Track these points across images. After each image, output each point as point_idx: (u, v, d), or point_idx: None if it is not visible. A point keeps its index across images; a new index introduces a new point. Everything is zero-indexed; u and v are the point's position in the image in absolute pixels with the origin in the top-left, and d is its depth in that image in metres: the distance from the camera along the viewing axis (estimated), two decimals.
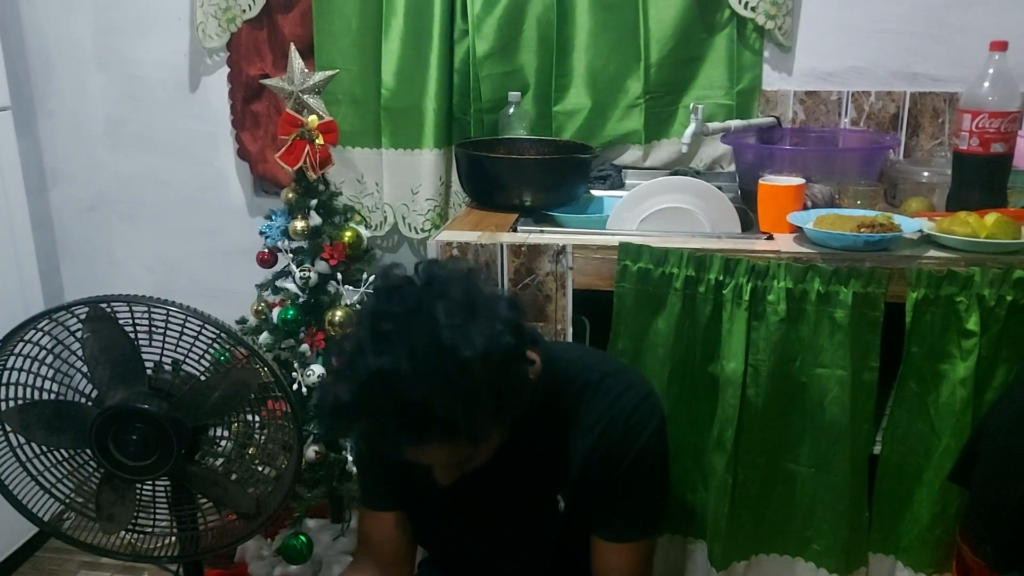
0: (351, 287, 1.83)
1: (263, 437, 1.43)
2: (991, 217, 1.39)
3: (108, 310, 1.30)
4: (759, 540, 1.54)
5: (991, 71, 1.49)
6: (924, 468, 1.44)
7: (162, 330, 1.32)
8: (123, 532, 1.45)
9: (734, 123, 1.87)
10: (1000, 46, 1.48)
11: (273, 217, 1.85)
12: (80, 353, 1.33)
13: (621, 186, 1.97)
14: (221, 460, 1.43)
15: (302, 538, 1.84)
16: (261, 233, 1.85)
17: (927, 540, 1.45)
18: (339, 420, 0.96)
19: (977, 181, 1.53)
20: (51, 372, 1.37)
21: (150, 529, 1.46)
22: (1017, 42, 1.50)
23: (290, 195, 1.80)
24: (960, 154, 1.53)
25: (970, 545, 1.30)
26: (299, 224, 1.78)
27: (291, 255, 1.82)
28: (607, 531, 1.19)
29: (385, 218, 2.16)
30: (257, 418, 1.41)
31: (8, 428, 1.38)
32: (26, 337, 1.34)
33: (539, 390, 1.07)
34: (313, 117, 1.71)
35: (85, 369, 1.34)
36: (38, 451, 1.41)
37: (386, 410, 0.92)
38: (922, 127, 1.94)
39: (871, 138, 1.90)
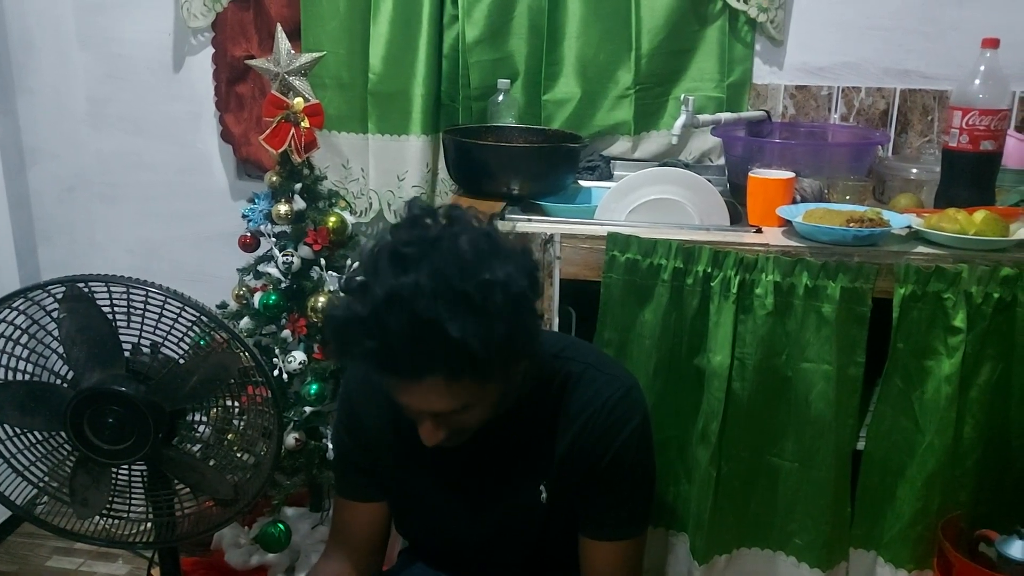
0: (334, 273, 1.81)
1: (242, 423, 1.41)
2: (980, 214, 1.39)
3: (86, 290, 1.28)
4: (741, 534, 1.53)
5: (982, 68, 1.48)
6: (907, 465, 1.44)
7: (140, 311, 1.29)
8: (97, 517, 1.43)
9: (724, 116, 1.86)
10: (992, 43, 1.48)
11: (256, 200, 1.82)
12: (56, 333, 1.31)
13: (610, 177, 1.96)
14: (199, 445, 1.41)
15: (280, 526, 1.82)
16: (244, 216, 1.82)
17: (909, 536, 1.46)
18: (347, 335, 0.93)
19: (966, 178, 1.53)
20: (26, 352, 1.34)
21: (125, 514, 1.44)
22: (1009, 40, 1.50)
23: (274, 178, 1.77)
24: (949, 151, 1.53)
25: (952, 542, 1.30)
26: (283, 208, 1.76)
27: (274, 239, 1.80)
28: (593, 529, 1.17)
29: (370, 204, 2.13)
30: (236, 404, 1.39)
31: None
32: (0, 316, 1.31)
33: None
34: (299, 99, 1.69)
35: (61, 350, 1.31)
36: (11, 433, 1.38)
37: (399, 328, 0.90)
38: (911, 124, 1.94)
39: (861, 134, 1.89)
